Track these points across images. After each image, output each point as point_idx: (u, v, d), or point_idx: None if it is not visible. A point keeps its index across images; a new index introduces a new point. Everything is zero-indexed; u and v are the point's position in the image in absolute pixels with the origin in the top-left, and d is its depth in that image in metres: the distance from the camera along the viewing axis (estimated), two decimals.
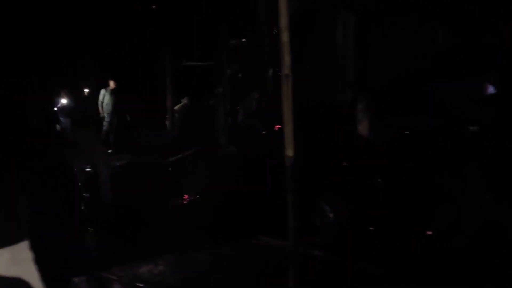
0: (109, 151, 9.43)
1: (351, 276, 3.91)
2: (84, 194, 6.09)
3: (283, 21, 2.34)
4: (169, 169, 7.42)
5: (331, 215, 4.84)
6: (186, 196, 6.38)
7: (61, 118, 9.81)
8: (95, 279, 3.96)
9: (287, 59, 2.49)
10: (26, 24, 8.42)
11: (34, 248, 2.64)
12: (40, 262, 2.63)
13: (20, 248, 2.17)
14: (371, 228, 4.81)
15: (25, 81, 8.38)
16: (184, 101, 10.94)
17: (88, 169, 6.55)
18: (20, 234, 2.19)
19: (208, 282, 3.93)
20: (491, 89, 4.78)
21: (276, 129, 6.63)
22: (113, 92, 10.43)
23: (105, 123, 10.43)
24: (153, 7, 9.87)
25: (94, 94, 9.68)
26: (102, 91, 10.38)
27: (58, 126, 9.54)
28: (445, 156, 4.70)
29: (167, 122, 10.61)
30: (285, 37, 2.41)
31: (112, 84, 10.39)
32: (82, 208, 5.69)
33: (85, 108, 6.94)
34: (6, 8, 7.51)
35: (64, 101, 10.23)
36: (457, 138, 4.69)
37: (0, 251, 2.07)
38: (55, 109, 10.21)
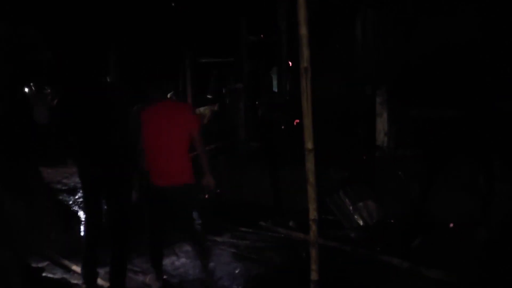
0: None
1: (375, 269, 3.92)
2: None
3: (301, 14, 2.35)
4: None
5: (350, 207, 4.84)
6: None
7: None
8: None
9: (306, 52, 2.49)
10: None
11: None
12: None
13: None
14: (392, 221, 4.81)
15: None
16: None
17: None
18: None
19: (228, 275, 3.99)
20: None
21: (295, 123, 6.66)
22: None
23: None
24: (172, 4, 9.94)
25: None
26: None
27: None
28: (468, 147, 4.67)
29: None
30: (303, 30, 2.43)
31: None
32: None
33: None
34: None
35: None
36: (480, 128, 4.64)
37: None
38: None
